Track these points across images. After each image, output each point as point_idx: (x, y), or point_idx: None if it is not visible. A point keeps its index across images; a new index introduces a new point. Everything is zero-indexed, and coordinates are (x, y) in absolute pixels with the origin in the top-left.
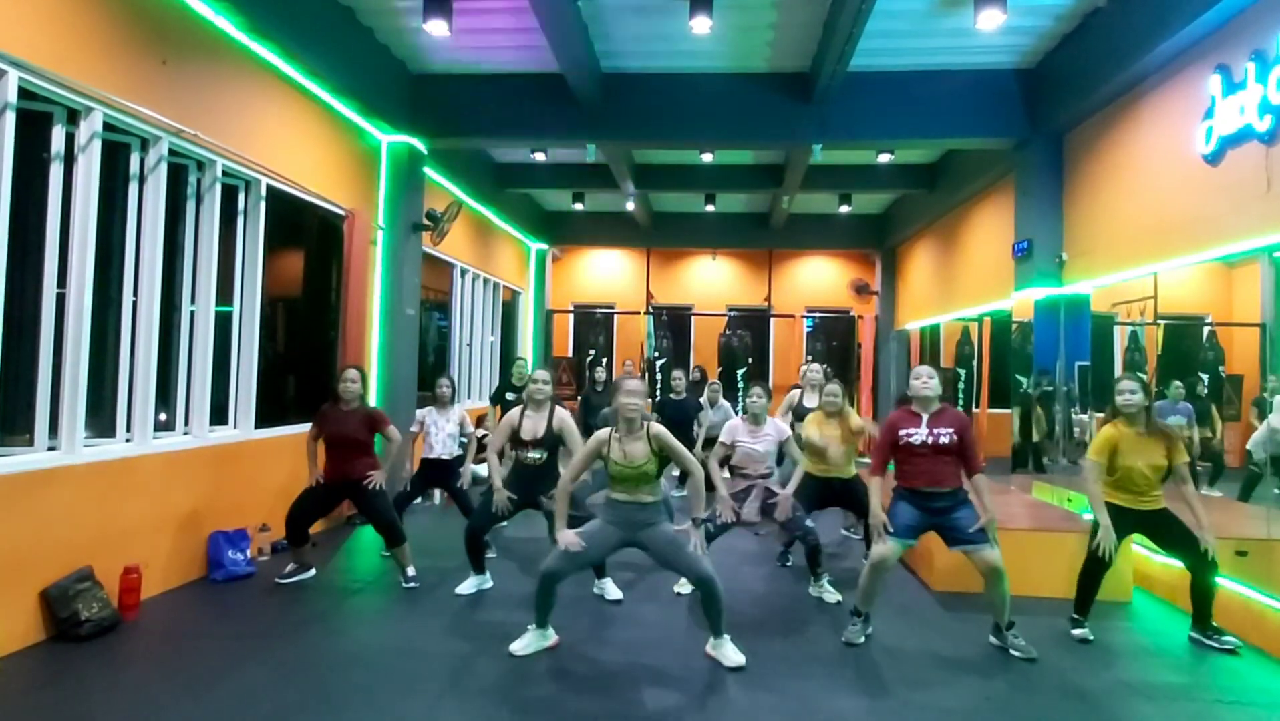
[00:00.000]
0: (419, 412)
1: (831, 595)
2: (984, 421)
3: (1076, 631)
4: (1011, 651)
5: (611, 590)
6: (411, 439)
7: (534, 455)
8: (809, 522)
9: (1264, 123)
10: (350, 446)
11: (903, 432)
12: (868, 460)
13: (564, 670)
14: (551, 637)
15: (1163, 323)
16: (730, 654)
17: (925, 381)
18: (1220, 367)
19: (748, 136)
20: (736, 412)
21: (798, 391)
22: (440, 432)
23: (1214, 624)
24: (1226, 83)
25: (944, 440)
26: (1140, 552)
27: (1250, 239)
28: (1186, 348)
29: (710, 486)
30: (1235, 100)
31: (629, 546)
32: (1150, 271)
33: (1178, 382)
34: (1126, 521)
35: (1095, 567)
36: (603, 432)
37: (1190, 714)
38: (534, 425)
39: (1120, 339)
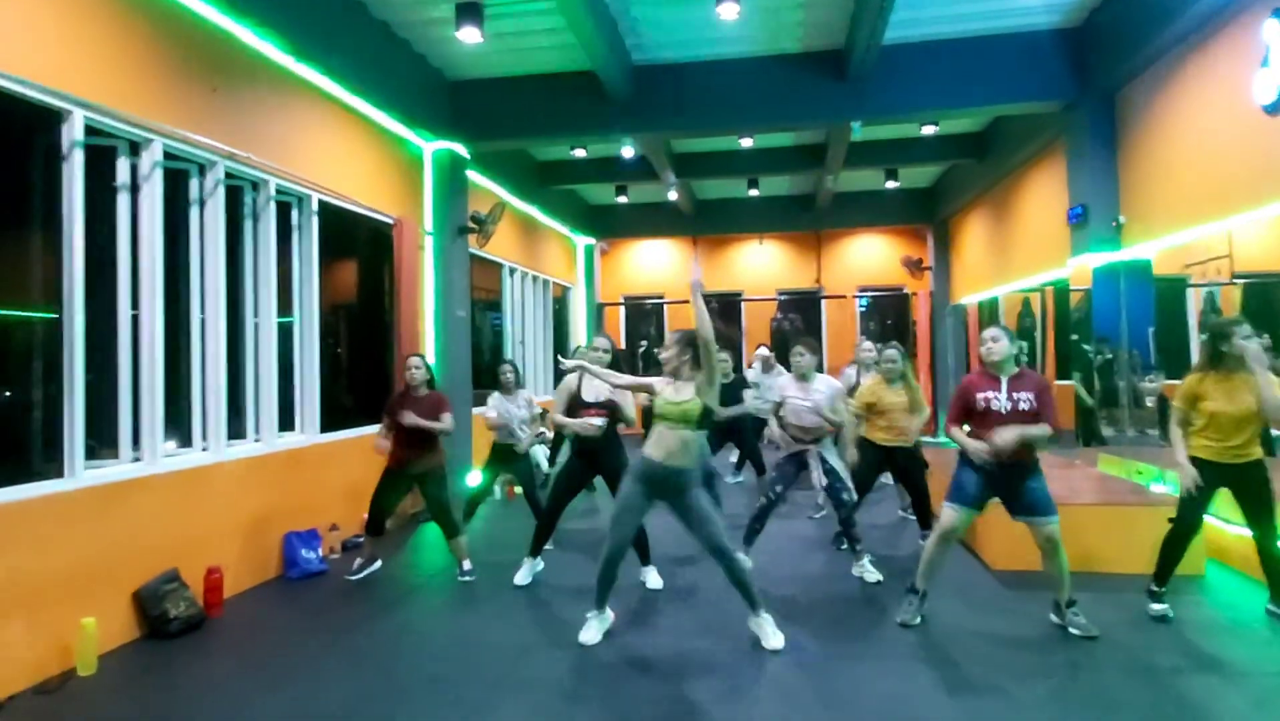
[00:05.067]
0: (491, 400)
1: (872, 574)
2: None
3: (1156, 607)
4: (1070, 630)
5: (652, 579)
6: (489, 424)
7: (596, 422)
8: (845, 495)
9: None
10: (417, 432)
11: (980, 395)
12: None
13: (617, 657)
14: (611, 617)
15: (1240, 281)
16: (769, 634)
17: (991, 346)
18: None
19: (785, 119)
20: None
21: (853, 370)
22: (514, 421)
23: None
24: None
25: (1024, 406)
26: (1213, 524)
27: None
28: (1269, 306)
29: (761, 469)
30: None
31: (658, 502)
32: (1213, 229)
33: (1265, 337)
34: (1213, 475)
35: (1181, 532)
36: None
37: (1265, 689)
38: (596, 389)
39: (1195, 301)
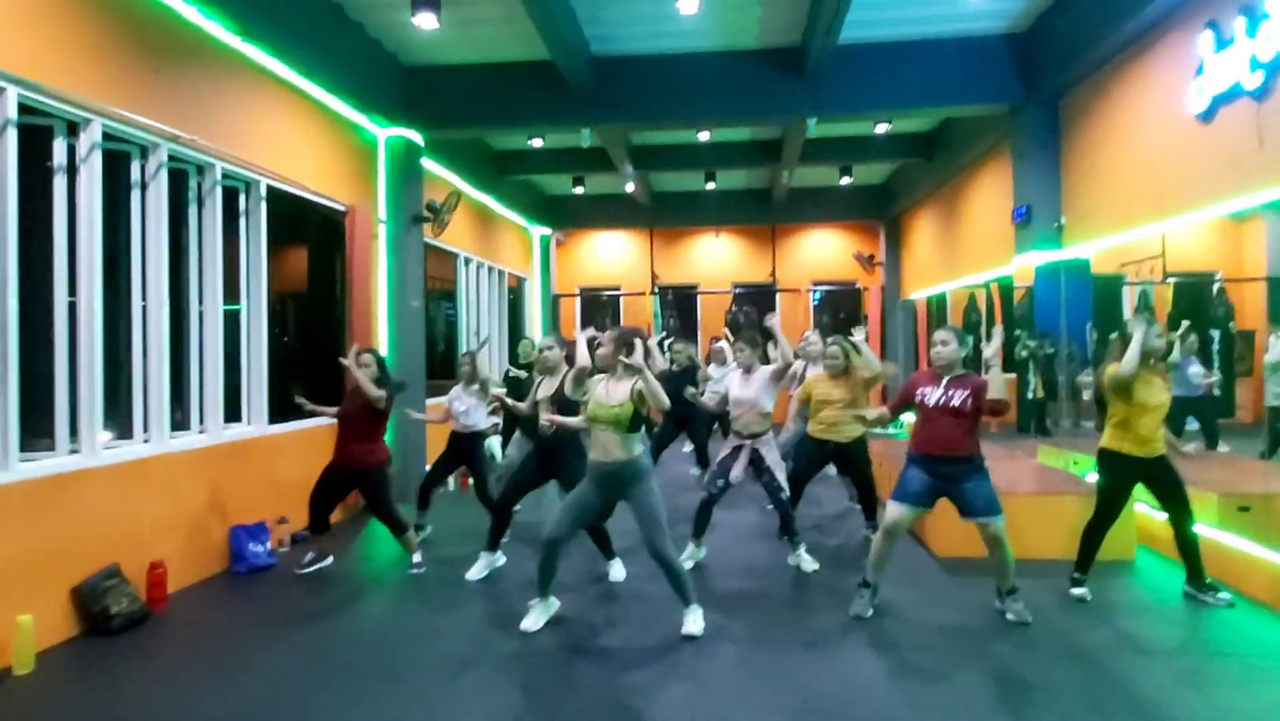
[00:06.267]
0: (448, 398)
1: (809, 563)
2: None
3: (1076, 591)
4: (1008, 616)
5: (616, 571)
6: (443, 420)
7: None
8: (784, 495)
9: (1254, 79)
10: (354, 425)
11: (920, 390)
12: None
13: (573, 646)
14: (555, 604)
15: (1172, 280)
16: (688, 621)
17: (940, 350)
18: (1230, 323)
19: (742, 113)
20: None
21: (800, 364)
22: (466, 405)
23: (1208, 579)
24: (1217, 39)
25: (955, 402)
26: (1143, 511)
27: (1245, 196)
28: (1197, 304)
29: (705, 462)
30: (1225, 57)
31: (617, 501)
32: (1149, 232)
33: (1192, 337)
34: (1131, 471)
35: (1099, 524)
36: (600, 375)
37: (1188, 667)
38: (549, 389)
39: (1130, 298)
